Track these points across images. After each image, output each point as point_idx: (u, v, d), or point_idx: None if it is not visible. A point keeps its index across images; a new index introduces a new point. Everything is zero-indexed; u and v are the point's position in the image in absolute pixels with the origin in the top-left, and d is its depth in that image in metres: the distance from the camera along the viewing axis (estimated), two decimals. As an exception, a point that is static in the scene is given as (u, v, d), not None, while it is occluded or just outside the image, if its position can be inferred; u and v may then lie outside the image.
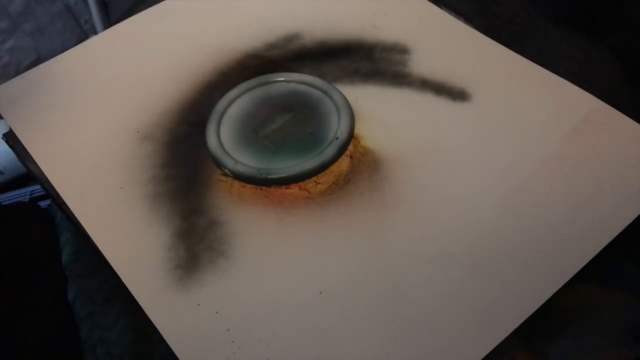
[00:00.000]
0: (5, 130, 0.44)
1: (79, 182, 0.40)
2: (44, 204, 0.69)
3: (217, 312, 0.33)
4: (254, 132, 0.41)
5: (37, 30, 0.93)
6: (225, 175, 0.39)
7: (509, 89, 0.43)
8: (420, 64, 0.45)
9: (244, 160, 0.39)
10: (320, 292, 0.33)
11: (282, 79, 0.44)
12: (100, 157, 0.41)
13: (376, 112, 0.42)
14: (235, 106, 0.43)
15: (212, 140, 0.40)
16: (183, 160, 0.41)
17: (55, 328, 0.45)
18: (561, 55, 0.46)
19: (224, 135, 0.41)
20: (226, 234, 0.36)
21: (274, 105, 0.43)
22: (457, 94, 0.43)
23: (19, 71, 0.90)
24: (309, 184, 0.39)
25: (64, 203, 0.39)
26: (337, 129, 0.41)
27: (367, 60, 0.46)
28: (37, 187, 0.68)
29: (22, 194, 0.69)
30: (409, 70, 0.45)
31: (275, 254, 0.35)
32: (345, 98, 0.42)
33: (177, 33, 0.50)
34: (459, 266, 0.34)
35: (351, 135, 0.41)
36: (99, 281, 0.47)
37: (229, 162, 0.39)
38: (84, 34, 1.01)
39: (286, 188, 0.38)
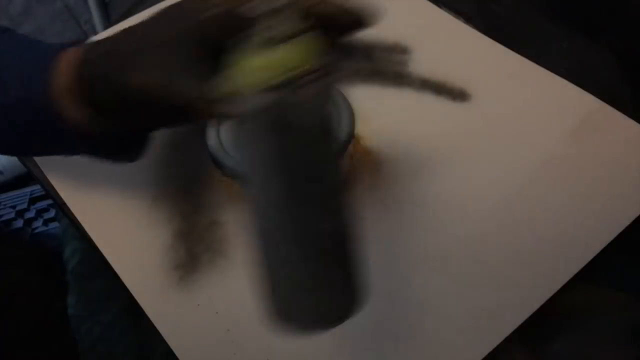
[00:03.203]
0: (5, 130, 0.44)
1: (79, 182, 0.40)
2: (44, 204, 0.69)
3: (217, 312, 0.33)
4: (254, 132, 0.41)
5: (37, 30, 0.93)
6: (225, 175, 0.39)
7: (509, 89, 0.43)
8: (420, 64, 0.45)
9: (244, 160, 0.39)
10: (320, 292, 0.33)
11: (282, 79, 0.44)
12: (100, 157, 0.41)
13: (376, 112, 0.42)
14: (235, 106, 0.43)
15: (212, 141, 0.40)
16: (183, 160, 0.41)
17: (51, 325, 0.45)
18: (561, 55, 0.46)
19: (224, 135, 0.41)
20: (226, 234, 0.36)
21: (274, 105, 0.43)
22: (457, 94, 0.43)
23: (19, 71, 0.90)
24: (309, 184, 0.38)
25: (64, 203, 0.39)
26: (337, 129, 0.40)
27: (367, 60, 0.46)
28: (37, 187, 0.68)
29: (22, 194, 0.69)
30: (409, 70, 0.45)
31: (275, 254, 0.35)
32: (345, 98, 0.42)
33: (177, 33, 0.50)
34: (459, 266, 0.34)
35: (351, 135, 0.40)
36: (99, 279, 0.47)
37: (229, 162, 0.39)
38: (84, 34, 1.01)
39: (286, 188, 0.38)
